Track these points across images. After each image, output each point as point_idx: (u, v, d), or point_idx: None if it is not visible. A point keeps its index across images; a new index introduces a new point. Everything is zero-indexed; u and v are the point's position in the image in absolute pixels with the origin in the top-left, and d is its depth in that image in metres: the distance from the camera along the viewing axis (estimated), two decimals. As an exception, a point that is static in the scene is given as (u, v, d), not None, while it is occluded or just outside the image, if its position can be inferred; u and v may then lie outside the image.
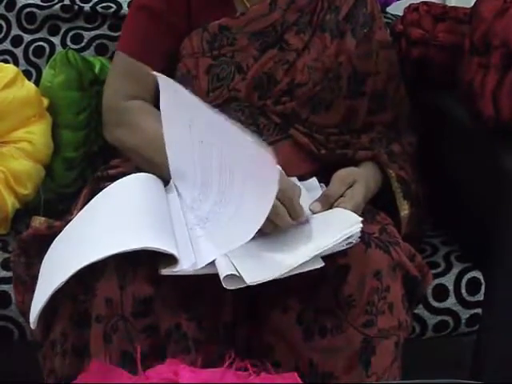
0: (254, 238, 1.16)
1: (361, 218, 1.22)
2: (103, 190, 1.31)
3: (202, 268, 1.16)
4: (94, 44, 1.79)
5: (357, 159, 1.47)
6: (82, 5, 1.80)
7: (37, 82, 1.72)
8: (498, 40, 1.41)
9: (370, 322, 1.23)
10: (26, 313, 1.30)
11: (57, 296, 1.18)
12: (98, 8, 1.80)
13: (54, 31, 1.80)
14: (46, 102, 1.68)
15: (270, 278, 1.15)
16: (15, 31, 1.79)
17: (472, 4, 1.51)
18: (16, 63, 1.77)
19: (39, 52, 1.79)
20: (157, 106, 1.32)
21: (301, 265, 1.16)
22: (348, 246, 1.21)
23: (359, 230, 1.21)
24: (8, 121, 1.63)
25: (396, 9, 1.96)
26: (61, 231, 1.27)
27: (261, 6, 1.46)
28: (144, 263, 1.19)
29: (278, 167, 1.10)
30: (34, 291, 1.23)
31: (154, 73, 1.24)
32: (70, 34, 1.79)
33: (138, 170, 1.40)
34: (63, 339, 1.22)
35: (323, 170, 1.45)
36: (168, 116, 1.27)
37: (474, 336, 1.53)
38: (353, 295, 1.23)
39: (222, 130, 1.15)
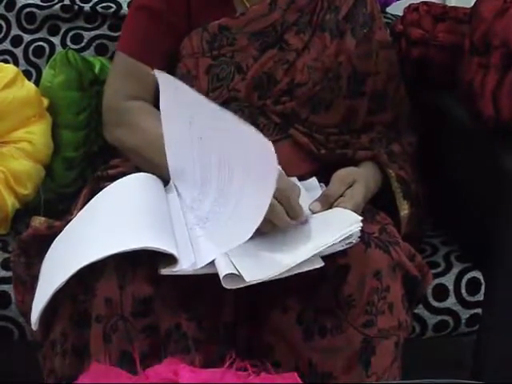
0: (253, 238, 1.16)
1: (361, 218, 1.22)
2: (103, 190, 1.31)
3: (202, 268, 1.16)
4: (94, 44, 1.79)
5: (357, 159, 1.47)
6: (82, 5, 1.80)
7: (37, 82, 1.72)
8: (498, 40, 1.42)
9: (370, 322, 1.23)
10: (26, 313, 1.30)
11: (57, 296, 1.18)
12: (98, 8, 1.80)
13: (53, 31, 1.80)
14: (46, 102, 1.68)
15: (270, 277, 1.15)
16: (15, 31, 1.79)
17: (472, 4, 1.51)
18: (16, 63, 1.77)
19: (39, 52, 1.79)
20: (157, 106, 1.32)
21: (300, 264, 1.16)
22: (348, 246, 1.21)
23: (359, 229, 1.21)
24: (8, 121, 1.63)
25: (396, 9, 1.96)
26: (61, 231, 1.27)
27: (261, 6, 1.46)
28: (144, 263, 1.19)
29: (278, 166, 1.10)
30: (34, 291, 1.23)
31: (154, 70, 1.24)
32: (70, 34, 1.79)
33: (138, 169, 1.40)
34: (63, 339, 1.22)
35: (323, 169, 1.45)
36: (168, 113, 1.27)
37: (474, 336, 1.53)
38: (353, 295, 1.23)
39: (223, 125, 1.15)
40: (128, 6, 1.77)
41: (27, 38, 1.79)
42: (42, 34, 1.79)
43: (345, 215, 1.26)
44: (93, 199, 1.31)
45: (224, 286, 1.14)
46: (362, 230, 1.21)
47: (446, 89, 1.60)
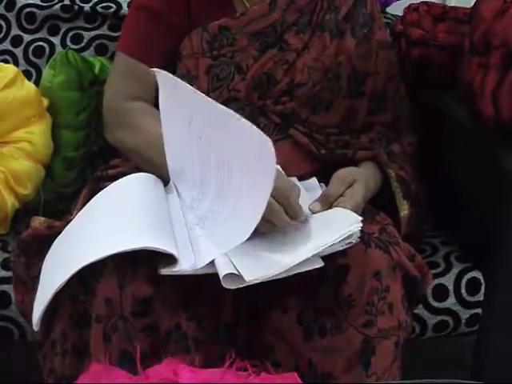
0: (253, 238, 1.16)
1: (360, 218, 1.22)
2: (103, 190, 1.31)
3: (202, 268, 1.16)
4: (94, 44, 1.79)
5: (357, 159, 1.47)
6: (82, 5, 1.80)
7: (37, 82, 1.72)
8: (497, 40, 1.41)
9: (370, 322, 1.23)
10: (25, 313, 1.30)
11: (57, 296, 1.18)
12: (98, 8, 1.80)
13: (53, 31, 1.80)
14: (45, 102, 1.68)
15: (269, 276, 1.15)
16: (15, 31, 1.79)
17: (472, 4, 1.51)
18: (16, 63, 1.77)
19: (39, 52, 1.79)
20: (158, 106, 1.32)
21: (300, 264, 1.16)
22: (348, 246, 1.21)
23: (359, 229, 1.20)
24: (8, 121, 1.63)
25: (396, 9, 1.96)
26: (61, 231, 1.27)
27: (260, 6, 1.46)
28: (143, 263, 1.19)
29: (277, 166, 1.10)
30: (34, 291, 1.23)
31: (153, 69, 1.24)
32: (70, 34, 1.79)
33: (138, 170, 1.40)
34: (63, 339, 1.22)
35: (323, 169, 1.45)
36: (167, 112, 1.27)
37: (474, 336, 1.53)
38: (352, 295, 1.23)
39: (222, 122, 1.15)
40: (128, 6, 1.77)
41: (27, 38, 1.79)
42: (42, 34, 1.79)
43: (345, 215, 1.26)
44: (93, 199, 1.31)
45: (224, 285, 1.14)
46: (361, 230, 1.21)
47: (446, 89, 1.60)
